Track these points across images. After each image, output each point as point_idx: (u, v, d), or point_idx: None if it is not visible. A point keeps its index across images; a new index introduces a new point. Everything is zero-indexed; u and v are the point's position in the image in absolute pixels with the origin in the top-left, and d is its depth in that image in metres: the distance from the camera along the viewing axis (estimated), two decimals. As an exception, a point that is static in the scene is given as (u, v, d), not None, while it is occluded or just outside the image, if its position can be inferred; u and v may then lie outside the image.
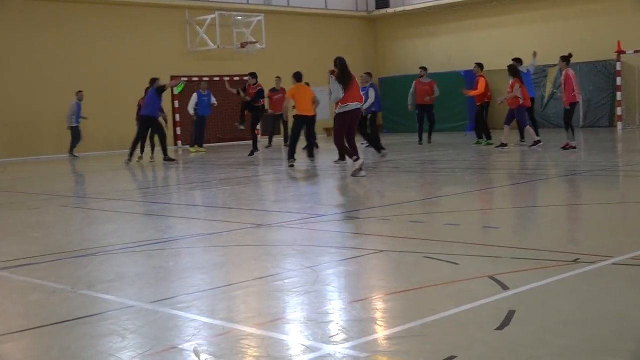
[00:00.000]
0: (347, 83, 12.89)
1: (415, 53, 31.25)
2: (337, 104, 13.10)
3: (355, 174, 12.57)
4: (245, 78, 21.38)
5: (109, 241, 7.74)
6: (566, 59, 16.17)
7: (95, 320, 4.75)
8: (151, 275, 6.01)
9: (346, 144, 13.10)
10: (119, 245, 7.43)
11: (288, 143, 17.59)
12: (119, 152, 22.95)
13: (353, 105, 12.94)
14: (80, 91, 22.43)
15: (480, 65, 19.97)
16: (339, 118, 13.06)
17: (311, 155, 17.10)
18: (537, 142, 16.83)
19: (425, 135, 21.11)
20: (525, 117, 17.37)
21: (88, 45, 24.30)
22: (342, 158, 15.52)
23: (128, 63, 25.24)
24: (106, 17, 24.99)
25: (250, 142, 20.03)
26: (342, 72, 13.00)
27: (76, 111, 22.19)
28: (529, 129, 17.23)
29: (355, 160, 12.66)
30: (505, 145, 17.04)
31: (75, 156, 22.43)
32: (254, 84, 20.39)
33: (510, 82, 17.16)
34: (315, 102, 16.66)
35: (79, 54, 24.17)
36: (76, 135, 22.39)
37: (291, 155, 15.77)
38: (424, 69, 21.37)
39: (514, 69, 17.52)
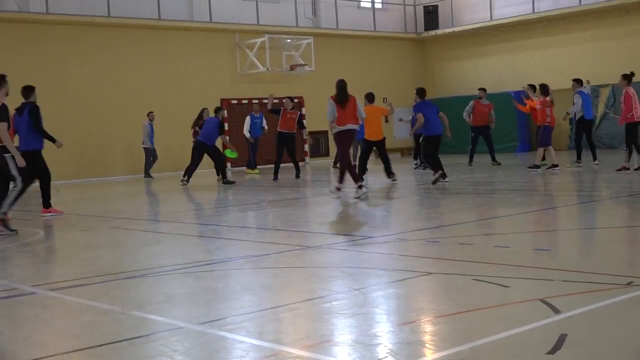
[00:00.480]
0: (344, 105, 13.31)
1: (464, 74, 31.20)
2: (331, 125, 13.45)
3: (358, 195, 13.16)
4: (284, 100, 21.39)
5: (159, 262, 7.82)
6: (627, 77, 16.00)
7: (144, 341, 4.78)
8: (200, 297, 6.05)
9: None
10: (168, 267, 7.49)
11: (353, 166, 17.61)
12: (174, 173, 23.29)
13: (350, 126, 13.39)
14: (151, 112, 22.98)
15: (532, 87, 19.80)
16: (337, 138, 13.52)
17: (390, 175, 16.35)
18: (554, 166, 16.97)
19: (478, 156, 20.95)
20: (548, 137, 17.35)
21: (140, 68, 24.74)
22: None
23: (179, 86, 25.60)
24: (158, 42, 25.41)
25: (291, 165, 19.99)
26: (339, 94, 13.47)
27: (149, 132, 22.63)
28: (550, 150, 17.29)
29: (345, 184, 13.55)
30: (556, 165, 16.88)
31: (151, 176, 22.82)
32: (290, 109, 20.23)
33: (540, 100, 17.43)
34: (390, 112, 16.69)
35: (133, 77, 24.60)
36: (150, 156, 22.90)
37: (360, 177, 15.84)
38: (483, 90, 21.06)
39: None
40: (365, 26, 30.89)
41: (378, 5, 31.79)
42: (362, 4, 31.38)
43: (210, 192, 17.39)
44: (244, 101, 27.12)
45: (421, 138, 17.41)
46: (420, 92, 15.96)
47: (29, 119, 12.30)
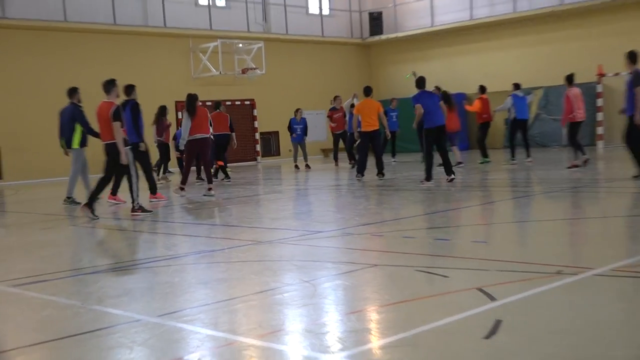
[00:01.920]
0: (193, 116, 13.98)
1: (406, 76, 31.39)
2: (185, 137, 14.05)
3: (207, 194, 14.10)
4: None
5: (118, 258, 7.75)
6: (568, 79, 16.13)
7: (104, 333, 4.76)
8: (157, 290, 6.02)
9: (207, 168, 14.59)
10: (127, 262, 7.44)
11: (353, 160, 17.93)
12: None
13: (198, 136, 14.02)
14: None
15: (481, 88, 19.79)
16: (186, 147, 14.19)
17: (381, 172, 16.05)
18: (459, 163, 17.54)
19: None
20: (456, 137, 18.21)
21: (96, 71, 24.30)
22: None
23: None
24: (114, 46, 25.11)
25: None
26: (188, 106, 14.13)
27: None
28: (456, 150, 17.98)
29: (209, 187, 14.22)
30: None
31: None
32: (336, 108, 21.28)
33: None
34: (381, 117, 15.90)
35: (86, 80, 24.21)
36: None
37: (360, 171, 16.02)
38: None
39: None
40: (313, 32, 30.95)
41: (325, 12, 31.85)
42: (310, 11, 31.40)
43: (168, 191, 17.22)
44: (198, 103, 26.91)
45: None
46: (419, 81, 14.21)
47: (130, 115, 13.10)
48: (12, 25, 22.76)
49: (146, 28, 25.80)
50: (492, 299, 4.97)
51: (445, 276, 5.82)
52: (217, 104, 18.82)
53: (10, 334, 4.98)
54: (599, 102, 24.48)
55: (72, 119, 13.71)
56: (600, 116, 24.59)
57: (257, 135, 28.94)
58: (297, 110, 21.92)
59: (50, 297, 5.94)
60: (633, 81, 12.63)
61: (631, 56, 12.93)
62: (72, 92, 14.04)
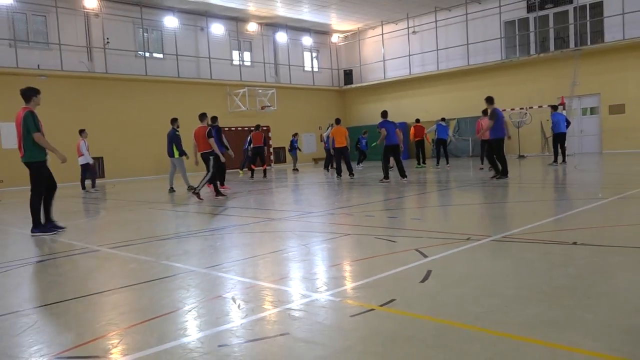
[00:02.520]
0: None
1: (369, 112, 31.44)
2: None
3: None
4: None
5: (180, 230, 7.69)
6: (488, 100, 14.96)
7: (169, 280, 4.72)
8: (205, 251, 5.97)
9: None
10: (186, 233, 7.38)
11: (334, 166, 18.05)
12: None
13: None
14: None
15: (416, 120, 19.96)
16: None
17: (351, 173, 16.08)
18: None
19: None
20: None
21: (164, 110, 24.21)
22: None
23: (190, 123, 25.10)
24: (177, 92, 24.91)
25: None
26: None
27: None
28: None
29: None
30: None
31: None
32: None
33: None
34: (347, 138, 16.18)
35: (156, 115, 24.08)
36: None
37: (339, 173, 16.28)
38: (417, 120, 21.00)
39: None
40: (307, 82, 30.87)
41: (315, 69, 31.78)
42: (306, 68, 31.30)
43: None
44: (232, 128, 26.84)
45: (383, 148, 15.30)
46: (383, 113, 14.23)
47: (216, 135, 13.23)
48: (111, 78, 22.59)
49: (198, 79, 25.64)
50: (425, 256, 4.95)
51: (393, 241, 5.81)
52: (256, 126, 19.07)
53: (107, 280, 4.92)
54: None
55: (171, 140, 13.74)
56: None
57: (271, 149, 28.89)
58: (295, 134, 22.23)
59: (134, 255, 5.88)
60: (490, 116, 12.88)
61: (488, 99, 13.14)
62: (173, 120, 14.02)
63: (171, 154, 13.86)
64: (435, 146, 18.83)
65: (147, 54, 23.94)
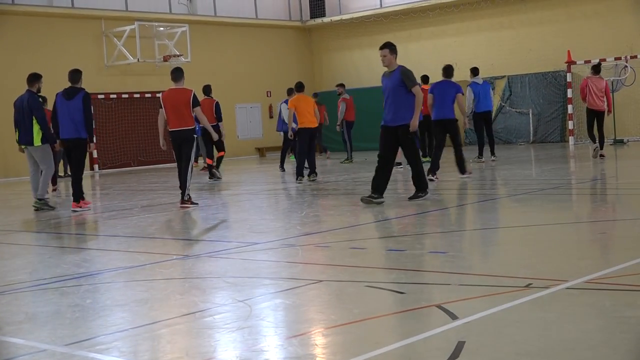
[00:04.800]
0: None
1: (354, 65, 31.56)
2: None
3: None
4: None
5: (18, 278, 7.58)
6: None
7: (2, 367, 4.63)
8: (66, 315, 5.88)
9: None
10: (28, 283, 7.27)
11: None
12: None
13: None
14: None
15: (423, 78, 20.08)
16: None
17: (313, 172, 16.91)
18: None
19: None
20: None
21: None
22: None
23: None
24: (14, 29, 24.61)
25: None
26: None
27: None
28: None
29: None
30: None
31: None
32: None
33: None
34: (316, 115, 16.59)
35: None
36: None
37: (300, 173, 16.38)
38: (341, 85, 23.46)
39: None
40: (245, 13, 30.88)
41: (260, -9, 31.83)
42: (243, -11, 31.35)
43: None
44: (111, 96, 26.61)
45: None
46: (446, 69, 15.65)
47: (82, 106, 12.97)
48: None
49: (50, 8, 25.36)
50: (454, 317, 4.99)
51: (400, 292, 5.83)
52: (205, 88, 18.79)
53: None
54: (569, 93, 24.92)
55: (28, 113, 13.50)
56: (570, 109, 24.97)
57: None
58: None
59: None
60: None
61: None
62: (33, 79, 13.98)
63: (27, 140, 13.58)
64: (475, 125, 18.96)
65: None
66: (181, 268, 7.64)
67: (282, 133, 21.16)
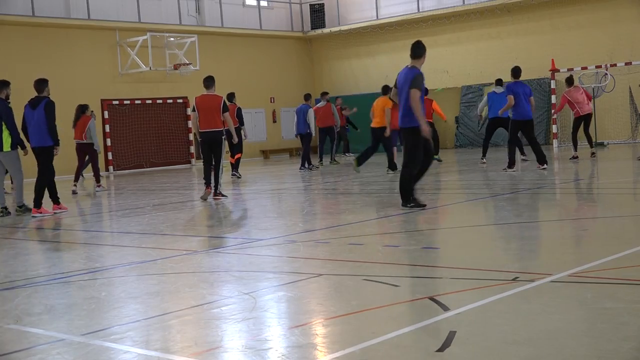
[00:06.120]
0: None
1: (353, 73, 31.60)
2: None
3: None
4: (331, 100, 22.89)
5: (37, 272, 7.58)
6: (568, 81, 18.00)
7: (23, 355, 4.62)
8: (82, 307, 5.88)
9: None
10: (47, 277, 7.27)
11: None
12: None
13: None
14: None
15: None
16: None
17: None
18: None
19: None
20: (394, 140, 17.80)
21: (13, 66, 23.79)
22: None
23: (55, 87, 24.80)
24: (32, 39, 24.61)
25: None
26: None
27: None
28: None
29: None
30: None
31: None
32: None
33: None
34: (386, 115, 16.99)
35: (2, 75, 23.65)
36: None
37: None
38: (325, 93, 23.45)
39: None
40: (250, 24, 30.89)
41: (264, 3, 31.83)
42: (247, 2, 31.35)
43: (93, 198, 16.96)
44: (125, 102, 26.63)
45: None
46: (515, 71, 16.15)
47: (45, 114, 12.59)
48: None
49: (68, 20, 25.37)
50: (445, 308, 4.99)
51: (395, 285, 5.83)
52: (230, 96, 19.79)
53: None
54: (553, 98, 24.91)
55: None
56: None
57: (191, 137, 28.70)
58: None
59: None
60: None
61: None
62: (1, 86, 13.09)
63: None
64: (486, 129, 18.97)
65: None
66: (190, 263, 7.64)
67: (297, 136, 21.43)
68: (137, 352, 4.54)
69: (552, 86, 24.90)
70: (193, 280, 6.72)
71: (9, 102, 13.16)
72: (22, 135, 13.04)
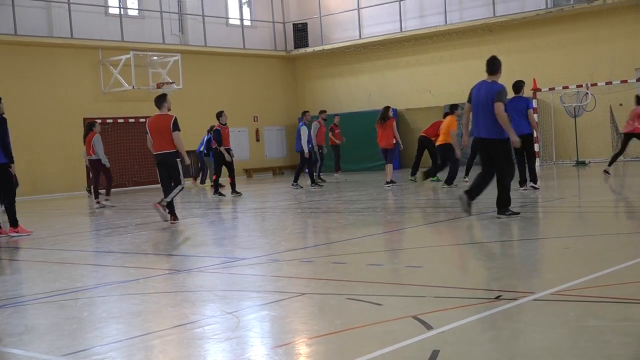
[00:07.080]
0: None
1: (336, 92, 31.68)
2: None
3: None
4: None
5: (18, 292, 7.51)
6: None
7: (2, 376, 4.58)
8: (64, 327, 5.84)
9: None
10: (28, 296, 7.21)
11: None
12: (40, 196, 22.36)
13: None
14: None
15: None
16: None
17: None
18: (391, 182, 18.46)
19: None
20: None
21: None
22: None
23: (38, 105, 24.78)
24: (14, 57, 24.52)
25: None
26: None
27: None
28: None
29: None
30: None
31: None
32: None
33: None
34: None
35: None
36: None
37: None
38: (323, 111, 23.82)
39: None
40: (233, 44, 30.93)
41: (247, 23, 31.90)
42: (231, 21, 31.40)
43: (78, 216, 16.87)
44: (108, 120, 26.53)
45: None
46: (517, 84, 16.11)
47: None
48: None
49: (51, 39, 25.31)
50: (429, 327, 4.98)
51: (378, 304, 5.82)
52: (219, 114, 19.63)
53: None
54: (535, 117, 25.01)
55: None
56: (535, 133, 25.08)
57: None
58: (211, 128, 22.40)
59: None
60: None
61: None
62: None
63: None
64: (472, 148, 18.75)
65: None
66: (173, 282, 7.60)
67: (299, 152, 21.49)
68: (119, 372, 4.50)
69: (534, 105, 25.03)
70: (176, 299, 6.68)
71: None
72: None
